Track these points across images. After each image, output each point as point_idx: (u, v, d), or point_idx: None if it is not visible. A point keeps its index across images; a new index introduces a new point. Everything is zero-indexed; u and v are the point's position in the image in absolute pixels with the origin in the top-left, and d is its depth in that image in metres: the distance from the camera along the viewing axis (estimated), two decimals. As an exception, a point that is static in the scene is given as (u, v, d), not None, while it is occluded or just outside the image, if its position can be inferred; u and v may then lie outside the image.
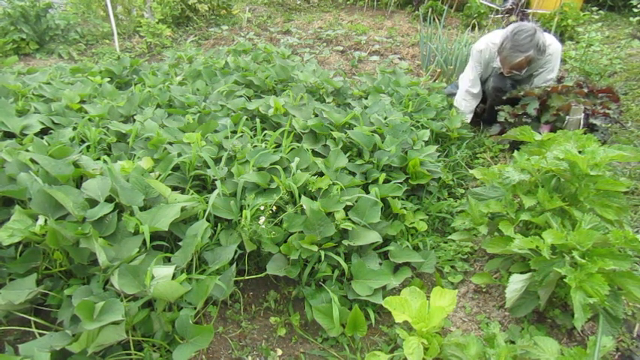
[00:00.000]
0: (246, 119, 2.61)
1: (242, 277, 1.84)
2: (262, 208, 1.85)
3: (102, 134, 2.37)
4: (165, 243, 1.77)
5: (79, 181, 1.93)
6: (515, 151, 2.01)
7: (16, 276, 1.57)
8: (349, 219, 1.95)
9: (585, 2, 6.09)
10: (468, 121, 3.25)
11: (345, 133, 2.52)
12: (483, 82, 3.27)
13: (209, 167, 2.08)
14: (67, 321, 1.46)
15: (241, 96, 3.00)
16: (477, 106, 3.34)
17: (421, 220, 2.25)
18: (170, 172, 2.07)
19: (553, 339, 1.42)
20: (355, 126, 2.58)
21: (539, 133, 2.01)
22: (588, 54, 4.29)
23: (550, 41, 2.90)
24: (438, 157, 2.71)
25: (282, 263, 1.83)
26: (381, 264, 1.93)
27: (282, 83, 3.40)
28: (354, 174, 2.29)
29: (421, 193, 2.49)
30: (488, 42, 3.05)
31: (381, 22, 6.23)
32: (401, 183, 2.26)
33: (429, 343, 1.49)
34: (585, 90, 2.83)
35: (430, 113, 3.03)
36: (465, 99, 3.25)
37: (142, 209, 1.72)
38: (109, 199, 1.75)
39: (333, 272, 1.85)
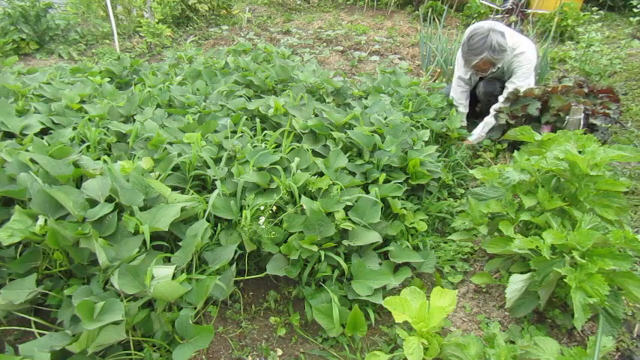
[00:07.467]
0: (246, 119, 2.61)
1: (242, 277, 1.84)
2: (262, 208, 1.85)
3: (102, 134, 2.37)
4: (165, 243, 1.77)
5: (79, 181, 1.93)
6: (515, 151, 2.01)
7: (16, 276, 1.57)
8: (349, 219, 1.95)
9: (585, 2, 6.09)
10: (464, 111, 3.27)
11: (345, 133, 2.51)
12: (474, 86, 3.30)
13: (209, 167, 2.08)
14: (67, 321, 1.46)
15: (241, 96, 2.99)
16: (476, 106, 3.34)
17: (421, 220, 2.24)
18: (170, 172, 2.07)
19: (553, 339, 1.42)
20: (355, 126, 2.58)
21: (540, 134, 2.01)
22: (588, 54, 4.30)
23: (524, 49, 2.88)
24: (438, 157, 2.71)
25: (282, 263, 1.83)
26: (381, 264, 1.93)
27: (282, 83, 3.40)
28: (354, 174, 2.29)
29: (421, 193, 2.49)
30: None
31: (381, 22, 6.23)
32: (401, 183, 2.25)
33: (429, 343, 1.48)
34: (585, 90, 2.83)
35: (430, 113, 3.03)
36: (459, 85, 3.27)
37: (142, 209, 1.72)
38: (109, 199, 1.75)
39: (333, 272, 1.85)
